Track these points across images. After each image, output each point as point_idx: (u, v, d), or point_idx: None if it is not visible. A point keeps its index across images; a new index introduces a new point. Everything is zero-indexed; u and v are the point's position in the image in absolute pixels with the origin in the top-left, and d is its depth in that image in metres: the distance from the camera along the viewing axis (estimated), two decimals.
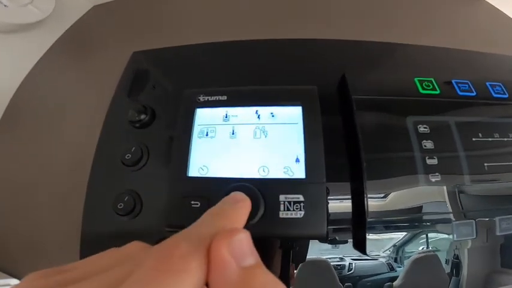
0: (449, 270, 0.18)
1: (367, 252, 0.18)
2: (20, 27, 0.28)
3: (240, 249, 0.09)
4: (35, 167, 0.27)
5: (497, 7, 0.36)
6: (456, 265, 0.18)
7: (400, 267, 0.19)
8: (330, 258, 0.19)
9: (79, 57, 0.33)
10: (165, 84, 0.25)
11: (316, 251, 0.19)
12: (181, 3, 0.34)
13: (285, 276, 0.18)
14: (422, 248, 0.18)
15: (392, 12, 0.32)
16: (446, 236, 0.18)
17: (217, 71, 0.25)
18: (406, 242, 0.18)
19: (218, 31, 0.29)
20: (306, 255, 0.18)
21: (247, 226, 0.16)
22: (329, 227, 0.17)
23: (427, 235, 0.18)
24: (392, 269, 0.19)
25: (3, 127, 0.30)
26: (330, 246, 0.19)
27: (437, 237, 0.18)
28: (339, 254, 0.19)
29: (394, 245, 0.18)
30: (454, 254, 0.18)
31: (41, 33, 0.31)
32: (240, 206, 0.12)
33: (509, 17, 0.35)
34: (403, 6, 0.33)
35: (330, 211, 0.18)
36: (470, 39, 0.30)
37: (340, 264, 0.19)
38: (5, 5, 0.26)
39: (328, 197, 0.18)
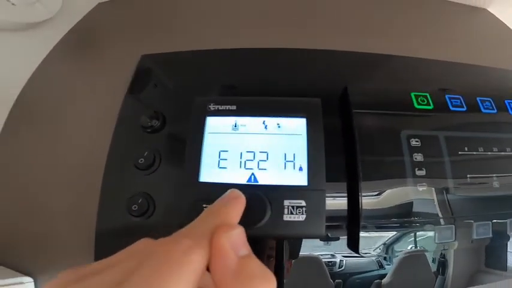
0: (435, 269, 0.20)
1: (360, 252, 0.20)
2: (27, 25, 0.28)
3: (237, 241, 0.11)
4: (46, 167, 0.27)
5: (498, 16, 0.36)
6: (442, 264, 0.20)
7: (389, 265, 0.20)
8: (321, 254, 0.20)
9: (85, 55, 0.33)
10: (174, 90, 0.26)
11: (309, 247, 0.20)
12: (184, 4, 0.34)
13: (278, 272, 0.19)
14: (411, 247, 0.20)
15: (392, 25, 0.33)
16: (432, 236, 0.20)
17: (224, 78, 0.26)
18: (395, 241, 0.20)
19: (226, 38, 0.29)
20: (298, 252, 0.20)
21: (255, 228, 0.18)
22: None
23: (415, 234, 0.20)
24: (381, 266, 0.20)
25: (11, 126, 0.30)
26: (322, 243, 0.20)
27: (425, 237, 0.20)
28: (331, 251, 0.20)
29: (384, 243, 0.19)
30: (441, 254, 0.20)
31: (48, 31, 0.31)
32: (233, 205, 0.13)
33: (510, 28, 0.35)
34: (405, 19, 0.33)
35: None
36: (471, 51, 0.30)
37: (332, 261, 0.20)
38: (13, 3, 0.26)
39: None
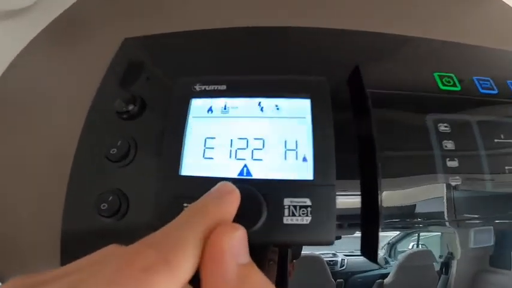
0: (438, 268, 0.18)
1: (378, 261, 0.16)
2: (4, 14, 0.25)
3: (239, 246, 0.09)
4: (13, 164, 0.24)
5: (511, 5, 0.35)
6: (446, 263, 0.18)
7: (391, 265, 0.18)
8: (323, 253, 0.18)
9: (66, 45, 0.30)
10: (157, 73, 0.23)
11: (310, 246, 0.18)
12: None
13: (282, 277, 0.16)
14: (413, 246, 0.18)
15: (409, 5, 0.30)
16: (437, 234, 0.18)
17: (217, 60, 0.23)
18: (399, 240, 0.18)
19: (218, 17, 0.26)
20: (300, 252, 0.18)
21: (248, 232, 0.14)
22: None
23: (418, 234, 0.18)
24: (383, 266, 0.18)
25: None
26: None
27: (428, 236, 0.18)
28: (332, 250, 0.18)
29: (388, 243, 0.18)
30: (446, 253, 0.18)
31: (27, 20, 0.28)
32: (224, 202, 0.10)
33: None
34: (414, 6, 0.31)
35: None
36: (488, 36, 0.28)
37: (333, 260, 0.18)
38: None
39: None
